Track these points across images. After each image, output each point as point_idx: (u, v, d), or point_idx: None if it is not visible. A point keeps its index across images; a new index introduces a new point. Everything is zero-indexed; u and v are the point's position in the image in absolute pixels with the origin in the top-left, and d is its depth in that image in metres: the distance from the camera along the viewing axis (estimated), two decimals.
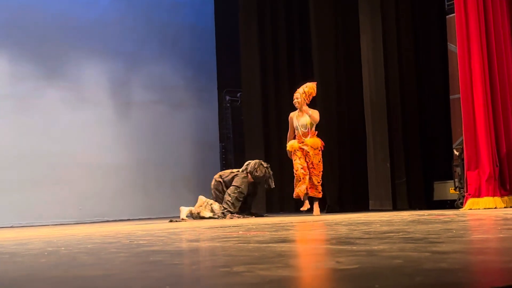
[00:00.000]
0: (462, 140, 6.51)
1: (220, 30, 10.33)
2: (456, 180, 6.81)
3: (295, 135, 7.24)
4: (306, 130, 7.11)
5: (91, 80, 9.48)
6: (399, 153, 7.68)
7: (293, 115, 7.28)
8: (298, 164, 7.04)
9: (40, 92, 9.00)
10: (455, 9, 6.58)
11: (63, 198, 8.90)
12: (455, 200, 6.77)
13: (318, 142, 7.11)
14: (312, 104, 8.59)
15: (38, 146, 8.80)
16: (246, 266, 1.77)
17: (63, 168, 8.95)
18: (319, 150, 7.10)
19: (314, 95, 7.25)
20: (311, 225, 4.23)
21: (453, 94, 7.32)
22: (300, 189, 6.98)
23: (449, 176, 7.18)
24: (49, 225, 8.17)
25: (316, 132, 7.16)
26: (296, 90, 7.24)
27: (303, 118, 7.17)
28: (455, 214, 4.96)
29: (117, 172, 9.46)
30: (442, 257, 1.71)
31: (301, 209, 7.13)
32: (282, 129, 9.17)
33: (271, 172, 7.47)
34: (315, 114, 7.17)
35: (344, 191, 8.17)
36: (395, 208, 7.52)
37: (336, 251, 2.09)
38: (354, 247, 2.18)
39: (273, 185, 7.56)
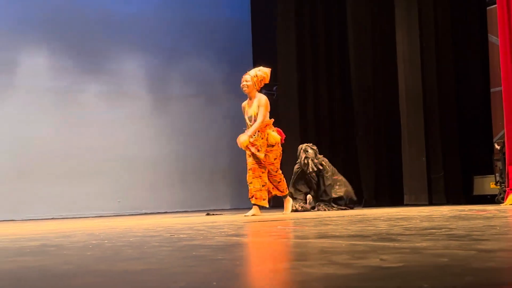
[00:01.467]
0: (504, 133, 6.39)
1: (257, 23, 10.34)
2: (497, 174, 6.69)
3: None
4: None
5: (130, 74, 9.60)
6: (436, 147, 7.57)
7: (244, 104, 6.25)
8: (248, 162, 6.10)
9: (80, 86, 9.16)
10: (496, 0, 6.45)
11: (102, 191, 9.05)
12: (495, 195, 6.65)
13: (273, 138, 6.09)
14: (348, 99, 8.55)
15: (78, 139, 8.96)
16: (290, 262, 1.78)
17: (103, 161, 9.10)
18: (277, 146, 6.12)
19: (267, 82, 6.23)
20: (349, 220, 4.22)
21: (494, 87, 7.18)
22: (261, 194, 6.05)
23: (489, 170, 7.05)
24: (89, 217, 8.32)
25: (272, 120, 6.20)
26: (247, 72, 6.20)
27: (251, 109, 6.09)
28: (497, 210, 4.87)
29: (155, 165, 9.57)
30: (489, 256, 1.69)
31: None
32: (320, 122, 9.16)
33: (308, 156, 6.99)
34: (263, 100, 6.04)
35: (380, 185, 8.11)
36: (431, 203, 7.43)
37: (379, 247, 2.08)
38: (396, 244, 2.16)
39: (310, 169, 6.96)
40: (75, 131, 8.95)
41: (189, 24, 10.05)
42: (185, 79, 10.02)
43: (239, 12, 10.39)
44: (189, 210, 9.45)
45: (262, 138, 6.06)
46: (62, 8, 9.01)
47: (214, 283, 1.46)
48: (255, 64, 10.41)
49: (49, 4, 8.94)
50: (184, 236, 3.25)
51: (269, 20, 9.68)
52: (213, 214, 7.10)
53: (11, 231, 4.77)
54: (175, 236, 3.28)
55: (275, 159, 6.16)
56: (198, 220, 5.57)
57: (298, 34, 9.15)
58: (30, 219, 8.05)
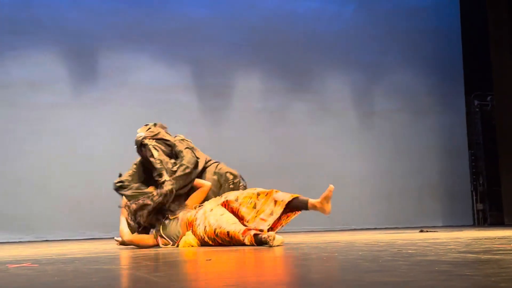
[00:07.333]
0: None
1: (467, 31, 9.86)
2: None
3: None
4: None
5: (333, 91, 9.76)
6: None
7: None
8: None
9: (288, 105, 9.54)
10: None
11: None
12: None
13: None
14: None
15: (287, 156, 9.30)
16: None
17: (309, 177, 9.32)
18: None
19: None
20: None
21: None
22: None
23: None
24: (300, 232, 8.58)
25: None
26: None
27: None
28: None
29: (361, 181, 9.57)
30: None
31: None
32: None
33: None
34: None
35: None
36: None
37: None
38: None
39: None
40: (284, 148, 9.31)
41: (393, 37, 9.95)
42: (389, 94, 9.91)
43: (447, 21, 10.00)
44: (399, 226, 9.26)
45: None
46: (269, 32, 9.49)
47: None
48: (466, 75, 9.94)
49: (257, 29, 9.47)
50: (412, 251, 3.18)
51: (480, 27, 9.18)
52: (427, 231, 6.87)
53: None
54: (403, 251, 3.23)
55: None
56: (414, 236, 5.43)
57: None
58: None
